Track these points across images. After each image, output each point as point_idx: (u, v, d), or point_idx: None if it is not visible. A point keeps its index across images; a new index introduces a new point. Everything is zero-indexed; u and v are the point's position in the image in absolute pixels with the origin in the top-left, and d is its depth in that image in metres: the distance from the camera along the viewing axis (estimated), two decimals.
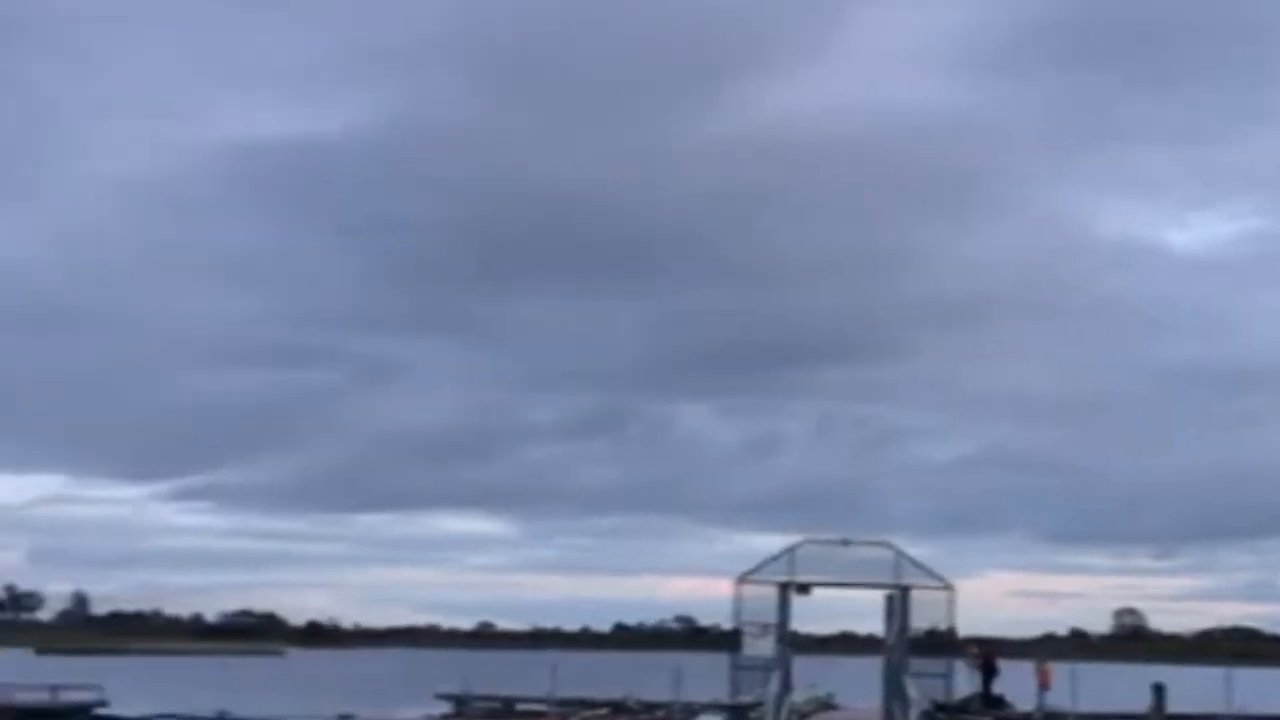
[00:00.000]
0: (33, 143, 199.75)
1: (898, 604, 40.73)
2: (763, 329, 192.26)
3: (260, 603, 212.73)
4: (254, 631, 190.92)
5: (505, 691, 64.76)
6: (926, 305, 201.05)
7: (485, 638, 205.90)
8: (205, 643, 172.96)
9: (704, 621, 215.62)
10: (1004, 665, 45.41)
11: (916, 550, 42.11)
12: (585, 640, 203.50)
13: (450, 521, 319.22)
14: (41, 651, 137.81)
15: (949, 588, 40.78)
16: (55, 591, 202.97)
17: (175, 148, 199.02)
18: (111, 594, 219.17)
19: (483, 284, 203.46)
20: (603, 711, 51.23)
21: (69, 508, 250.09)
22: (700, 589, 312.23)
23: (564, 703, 58.98)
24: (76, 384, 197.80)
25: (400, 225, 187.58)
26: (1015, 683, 45.24)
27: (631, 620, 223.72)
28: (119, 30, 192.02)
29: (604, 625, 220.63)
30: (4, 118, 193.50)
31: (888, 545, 41.21)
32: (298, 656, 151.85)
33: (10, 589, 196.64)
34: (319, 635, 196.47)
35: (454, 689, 65.58)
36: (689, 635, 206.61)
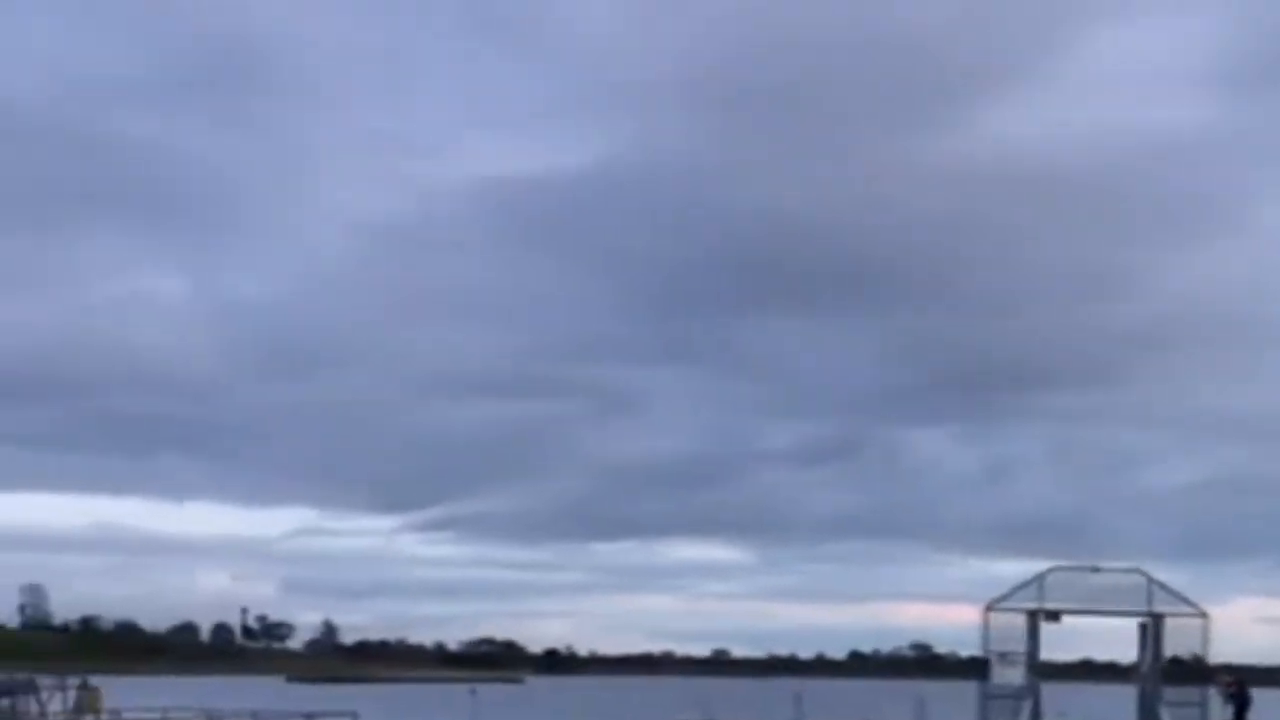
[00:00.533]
0: (281, 183, 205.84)
1: (1151, 632, 39.95)
2: (998, 353, 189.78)
3: (500, 631, 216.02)
4: (494, 659, 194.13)
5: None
6: (1159, 328, 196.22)
7: (720, 665, 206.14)
8: (448, 670, 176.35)
9: (940, 649, 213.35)
10: (1256, 694, 44.18)
11: (1162, 576, 41.24)
12: (820, 668, 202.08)
13: (686, 549, 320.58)
14: (292, 679, 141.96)
15: (1203, 615, 39.82)
16: (305, 621, 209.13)
17: (420, 185, 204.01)
18: (359, 624, 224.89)
19: (719, 313, 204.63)
20: None
21: (319, 540, 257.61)
22: (936, 615, 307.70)
23: None
24: (325, 419, 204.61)
25: (637, 258, 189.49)
26: (1268, 713, 43.99)
27: (867, 647, 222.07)
28: (364, 71, 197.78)
29: (839, 652, 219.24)
30: (254, 159, 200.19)
31: (1139, 572, 40.37)
32: (537, 684, 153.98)
33: (263, 619, 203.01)
34: (557, 663, 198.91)
35: (695, 717, 66.13)
36: (925, 662, 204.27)
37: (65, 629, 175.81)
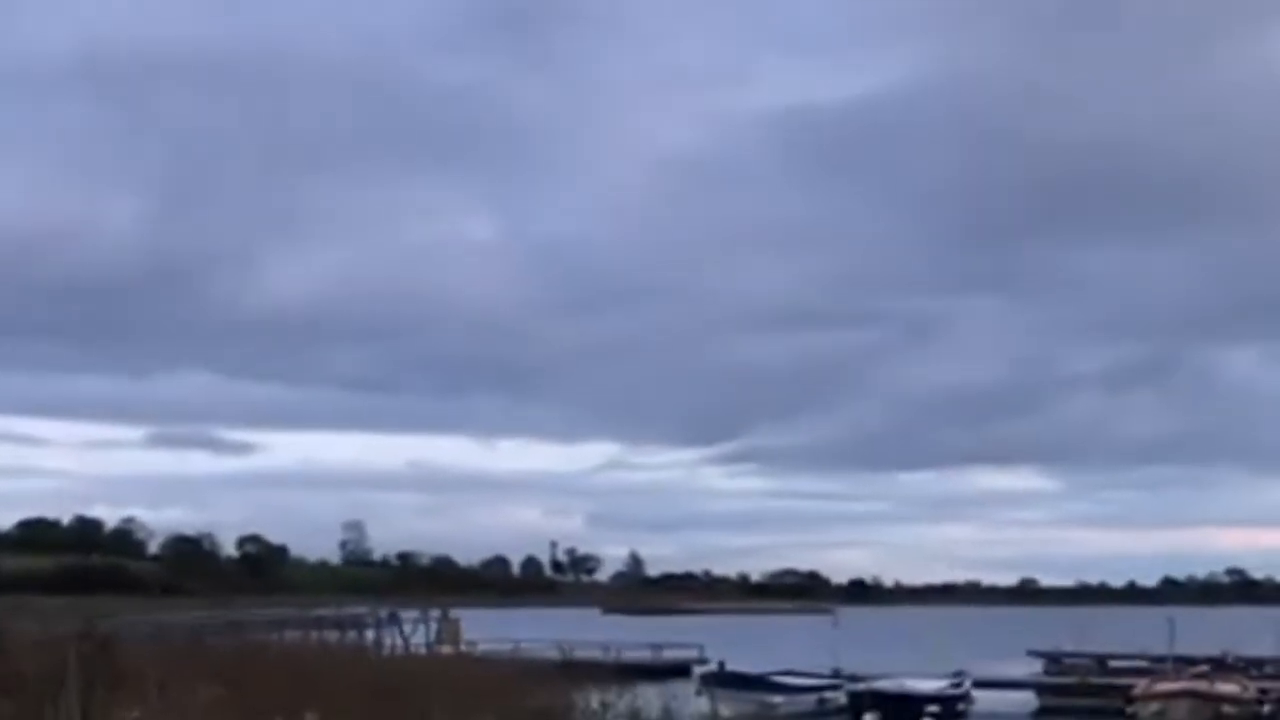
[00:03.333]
0: (586, 121, 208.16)
1: None
2: None
3: (802, 562, 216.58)
4: (798, 590, 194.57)
5: (1096, 649, 63.73)
6: None
7: (1027, 594, 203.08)
8: (752, 601, 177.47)
9: (1257, 574, 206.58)
10: None
11: None
12: (1132, 596, 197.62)
13: (990, 478, 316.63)
14: (607, 611, 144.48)
15: None
16: (611, 554, 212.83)
17: (723, 117, 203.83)
18: (664, 556, 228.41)
19: (1024, 238, 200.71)
20: (1203, 668, 49.55)
21: (624, 474, 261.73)
22: (1252, 540, 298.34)
23: (1158, 659, 57.32)
24: (630, 355, 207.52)
25: (943, 183, 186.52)
26: None
27: (1180, 574, 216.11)
28: (665, 3, 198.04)
29: (1150, 580, 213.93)
30: (558, 98, 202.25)
31: None
32: (848, 614, 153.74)
33: (571, 553, 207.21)
34: (862, 593, 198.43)
35: (1047, 647, 65.05)
36: (1241, 589, 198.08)
37: (384, 564, 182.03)
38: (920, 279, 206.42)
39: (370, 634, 55.46)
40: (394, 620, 57.03)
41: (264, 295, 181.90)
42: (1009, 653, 65.72)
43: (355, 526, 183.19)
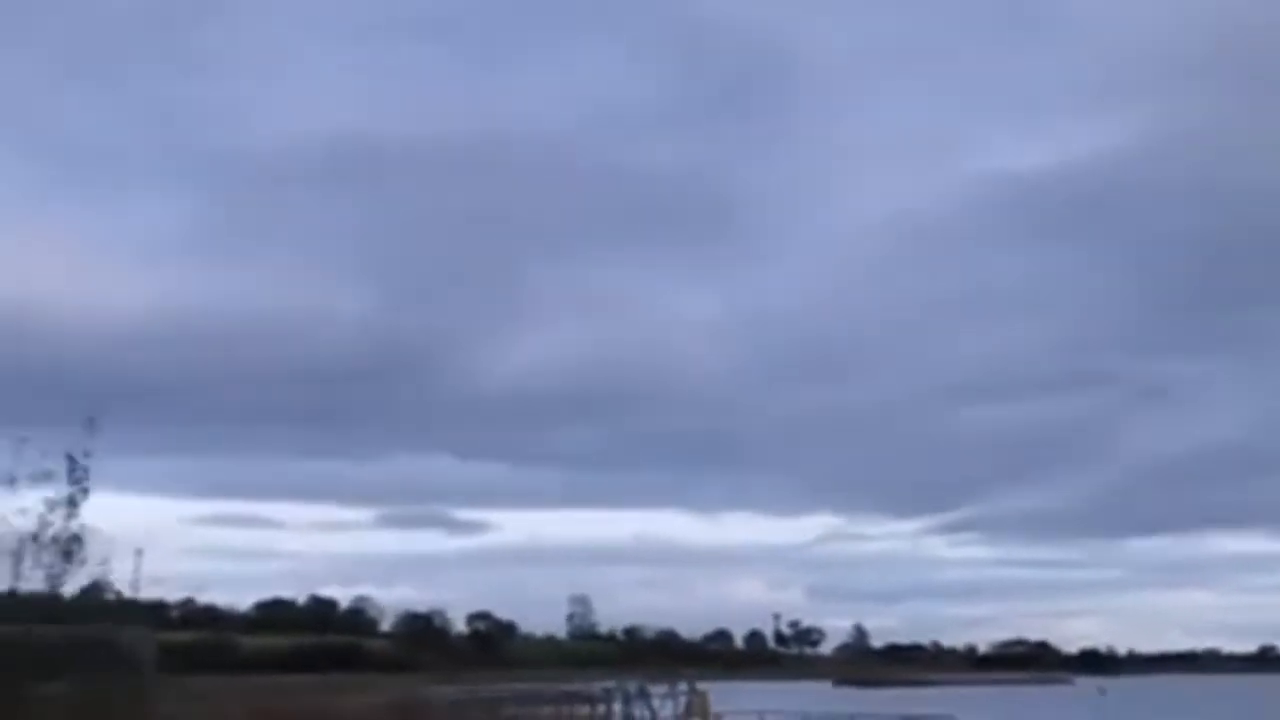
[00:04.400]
0: (809, 190, 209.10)
1: None
2: None
3: (1030, 631, 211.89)
4: (1027, 660, 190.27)
5: None
6: None
7: (1268, 662, 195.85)
8: (980, 673, 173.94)
9: None
10: None
11: None
12: None
13: (1227, 542, 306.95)
14: (839, 683, 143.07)
15: None
16: (834, 626, 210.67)
17: (944, 183, 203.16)
18: (887, 627, 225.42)
19: (1255, 296, 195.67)
20: None
21: (845, 545, 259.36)
22: None
23: None
24: (851, 425, 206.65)
25: (1170, 243, 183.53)
26: None
27: None
28: (883, 69, 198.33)
29: None
30: (777, 170, 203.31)
31: None
32: (1085, 685, 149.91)
33: (794, 625, 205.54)
34: (1094, 663, 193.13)
35: None
36: None
37: (610, 638, 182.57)
38: (1148, 340, 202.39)
39: (618, 708, 55.54)
40: (643, 694, 56.98)
41: (492, 377, 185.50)
42: None
43: (581, 601, 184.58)
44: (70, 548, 14.23)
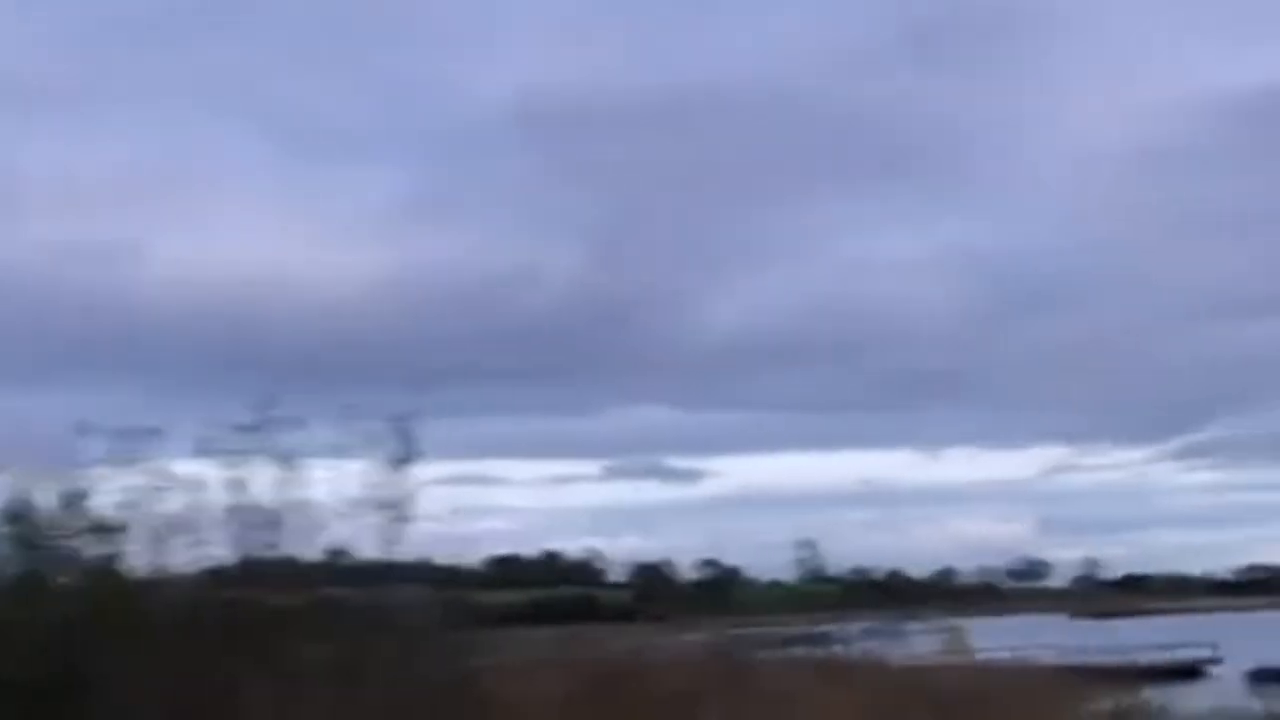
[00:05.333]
0: (1020, 123, 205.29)
1: None
2: None
3: (1271, 556, 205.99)
4: (1269, 586, 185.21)
5: None
6: None
7: None
8: (1223, 599, 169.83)
9: None
10: None
11: None
12: None
13: None
14: (1074, 615, 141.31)
15: None
16: (1064, 558, 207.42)
17: (1154, 105, 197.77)
18: (1119, 557, 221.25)
19: None
20: None
21: (1073, 476, 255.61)
22: None
23: None
24: (1073, 353, 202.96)
25: None
26: None
27: None
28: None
29: None
30: (989, 102, 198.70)
31: None
32: None
33: (1023, 558, 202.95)
34: None
35: None
36: None
37: (838, 580, 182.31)
38: None
39: (873, 646, 55.36)
40: (899, 631, 56.85)
41: (711, 325, 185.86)
42: None
43: (808, 545, 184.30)
44: (401, 511, 14.37)
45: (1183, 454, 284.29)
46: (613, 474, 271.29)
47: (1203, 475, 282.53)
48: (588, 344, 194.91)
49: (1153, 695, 41.38)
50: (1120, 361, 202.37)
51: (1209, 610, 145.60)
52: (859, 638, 56.01)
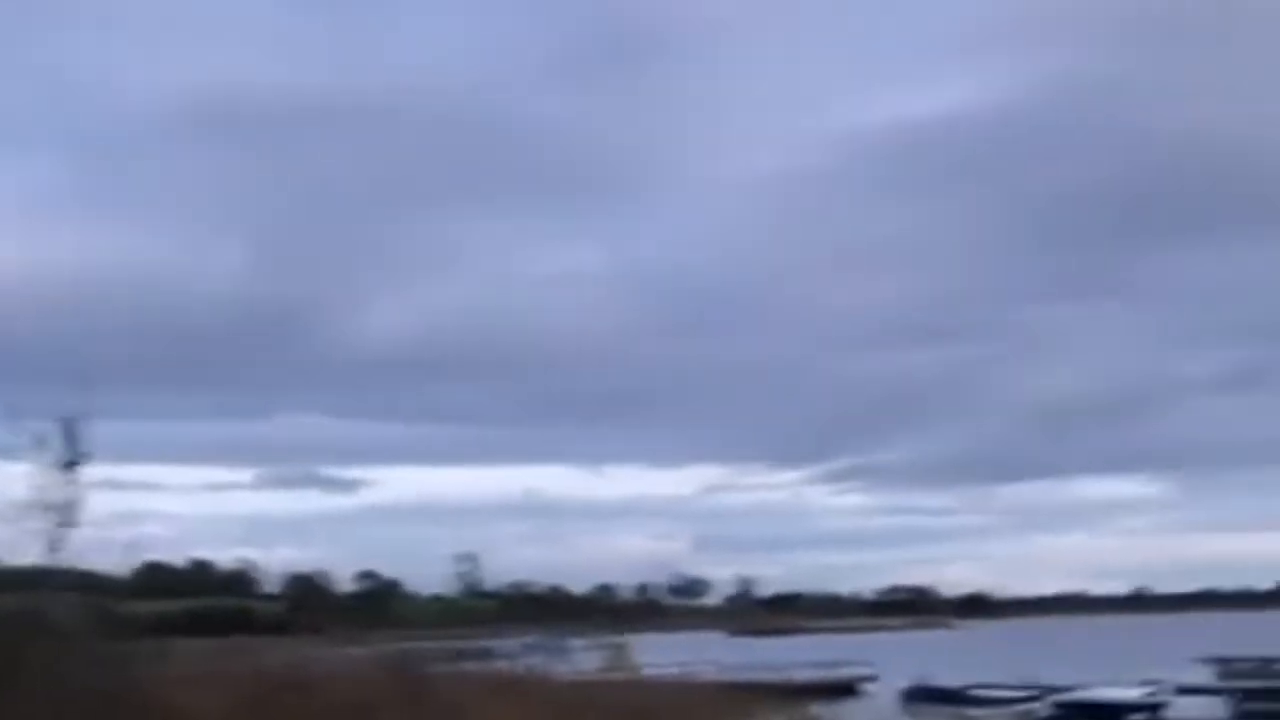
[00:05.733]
0: (685, 147, 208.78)
1: None
2: None
3: (912, 578, 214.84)
4: (911, 606, 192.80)
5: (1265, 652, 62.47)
6: None
7: (1141, 602, 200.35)
8: (866, 619, 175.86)
9: None
10: None
11: None
12: (1246, 600, 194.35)
13: (1097, 486, 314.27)
14: (732, 634, 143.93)
15: None
16: (720, 576, 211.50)
17: (825, 136, 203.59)
18: (772, 576, 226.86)
19: (1130, 243, 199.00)
20: None
21: (729, 496, 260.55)
22: None
23: None
24: (731, 377, 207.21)
25: (1042, 193, 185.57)
26: None
27: None
28: (757, 27, 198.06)
29: (1267, 584, 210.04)
30: (656, 125, 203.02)
31: None
32: (969, 628, 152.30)
33: (681, 576, 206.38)
34: (976, 607, 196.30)
35: (1217, 653, 63.75)
36: None
37: (497, 595, 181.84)
38: (1023, 289, 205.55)
39: (538, 660, 54.98)
40: (564, 647, 56.54)
41: (372, 334, 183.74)
42: (1166, 660, 64.56)
43: (468, 558, 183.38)
44: (65, 514, 13.43)
45: (834, 477, 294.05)
46: (268, 482, 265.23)
47: (853, 498, 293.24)
48: (247, 348, 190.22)
49: (816, 712, 42.17)
50: (777, 385, 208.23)
51: (857, 630, 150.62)
52: (523, 652, 55.66)
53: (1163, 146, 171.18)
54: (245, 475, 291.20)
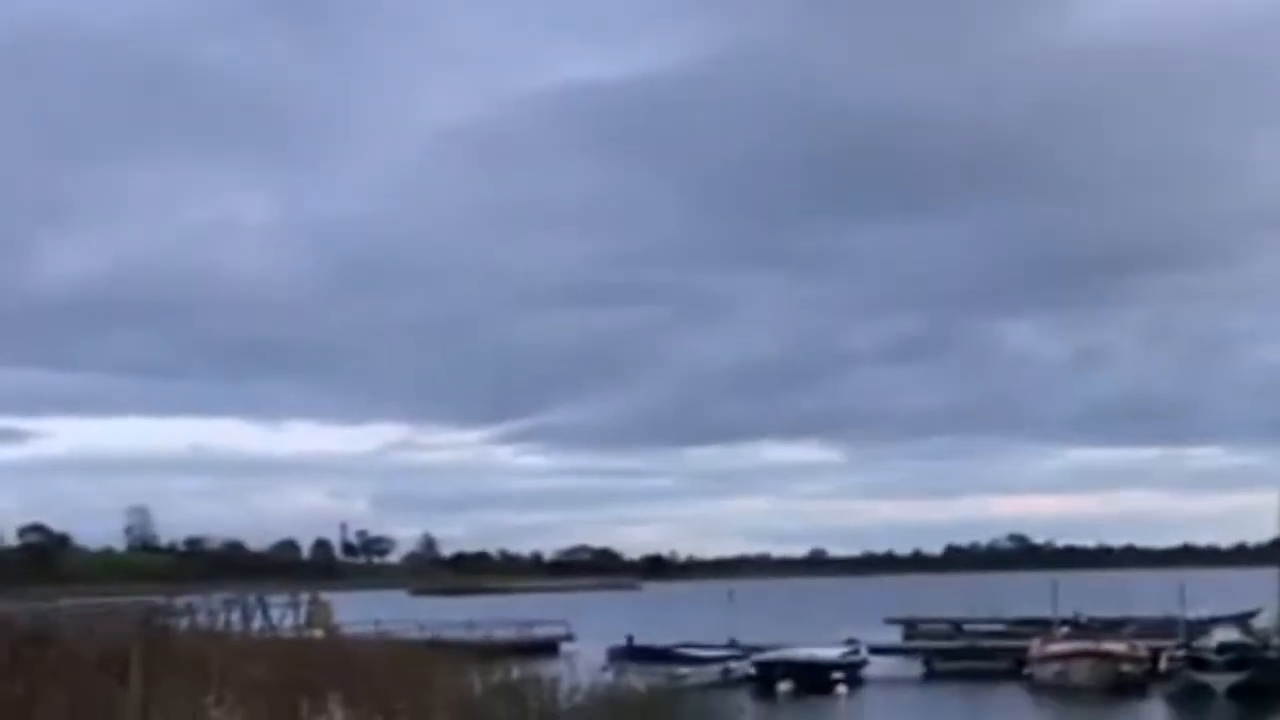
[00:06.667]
0: (364, 100, 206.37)
1: None
2: (1086, 240, 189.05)
3: (594, 538, 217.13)
4: (592, 567, 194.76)
5: (950, 614, 65.01)
6: (1259, 210, 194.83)
7: (818, 565, 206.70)
8: (551, 579, 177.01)
9: (1038, 540, 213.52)
10: None
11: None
12: (918, 564, 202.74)
13: (777, 451, 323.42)
14: (415, 593, 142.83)
15: None
16: (401, 535, 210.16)
17: (505, 95, 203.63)
18: (454, 536, 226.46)
19: (805, 213, 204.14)
20: (1064, 630, 50.66)
21: (411, 454, 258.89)
22: (1031, 507, 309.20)
23: (1017, 622, 58.56)
24: (414, 334, 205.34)
25: (724, 161, 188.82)
26: None
27: (963, 541, 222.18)
28: None
29: (936, 548, 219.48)
30: (335, 78, 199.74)
31: None
32: (655, 590, 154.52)
33: (362, 534, 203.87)
34: (659, 568, 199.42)
35: (903, 614, 66.14)
36: (1023, 554, 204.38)
37: (172, 550, 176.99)
38: (703, 255, 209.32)
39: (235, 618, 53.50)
40: (261, 604, 55.06)
41: (35, 281, 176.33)
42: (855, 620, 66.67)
43: (140, 512, 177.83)
44: None
45: (517, 437, 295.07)
46: None
47: (536, 459, 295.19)
48: None
49: (525, 671, 42.01)
50: (460, 343, 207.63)
51: (542, 590, 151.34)
52: (221, 609, 54.08)
53: (837, 118, 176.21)
54: None
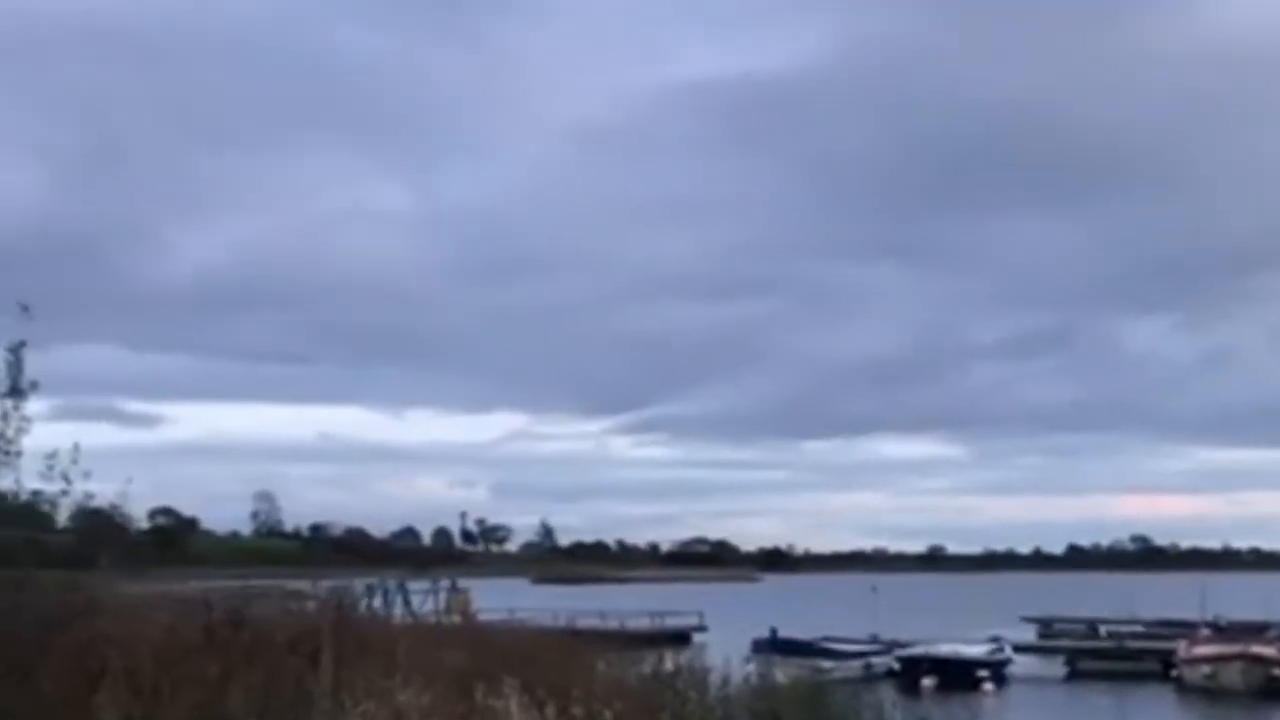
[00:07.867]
0: (497, 92, 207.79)
1: None
2: (1214, 239, 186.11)
3: (710, 530, 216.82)
4: (709, 559, 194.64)
5: (1086, 614, 64.14)
6: None
7: (936, 561, 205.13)
8: (668, 570, 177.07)
9: (1160, 541, 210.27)
10: None
11: None
12: (1038, 562, 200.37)
13: (897, 446, 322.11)
14: (536, 581, 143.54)
15: None
16: (520, 524, 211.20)
17: (634, 91, 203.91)
18: (571, 525, 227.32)
19: (929, 207, 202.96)
20: (1205, 633, 49.75)
21: (530, 444, 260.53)
22: (1154, 506, 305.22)
23: (1156, 624, 57.59)
24: (537, 325, 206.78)
25: (845, 155, 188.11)
26: None
27: (1085, 541, 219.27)
28: None
29: (1057, 547, 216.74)
30: (471, 69, 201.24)
31: None
32: (773, 582, 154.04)
33: (481, 523, 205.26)
34: (776, 561, 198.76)
35: (1038, 613, 65.38)
36: (1144, 555, 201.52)
37: (296, 535, 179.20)
38: (827, 247, 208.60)
39: (377, 603, 54.03)
40: (402, 590, 55.58)
41: (171, 267, 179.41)
42: (983, 618, 65.89)
43: (266, 498, 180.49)
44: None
45: (636, 428, 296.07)
46: (60, 414, 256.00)
47: (654, 450, 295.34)
48: (41, 277, 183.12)
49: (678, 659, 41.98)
50: (581, 335, 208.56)
51: (659, 580, 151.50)
52: (364, 595, 54.65)
53: (965, 114, 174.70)
54: (37, 406, 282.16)
